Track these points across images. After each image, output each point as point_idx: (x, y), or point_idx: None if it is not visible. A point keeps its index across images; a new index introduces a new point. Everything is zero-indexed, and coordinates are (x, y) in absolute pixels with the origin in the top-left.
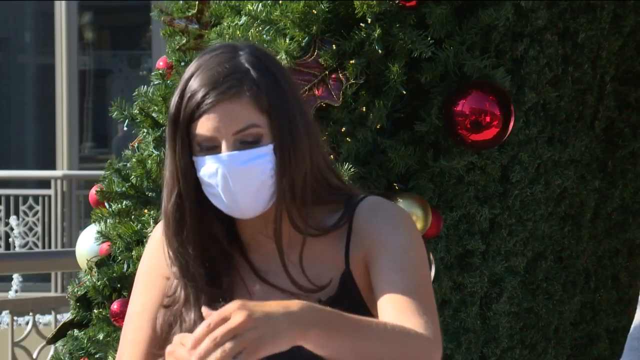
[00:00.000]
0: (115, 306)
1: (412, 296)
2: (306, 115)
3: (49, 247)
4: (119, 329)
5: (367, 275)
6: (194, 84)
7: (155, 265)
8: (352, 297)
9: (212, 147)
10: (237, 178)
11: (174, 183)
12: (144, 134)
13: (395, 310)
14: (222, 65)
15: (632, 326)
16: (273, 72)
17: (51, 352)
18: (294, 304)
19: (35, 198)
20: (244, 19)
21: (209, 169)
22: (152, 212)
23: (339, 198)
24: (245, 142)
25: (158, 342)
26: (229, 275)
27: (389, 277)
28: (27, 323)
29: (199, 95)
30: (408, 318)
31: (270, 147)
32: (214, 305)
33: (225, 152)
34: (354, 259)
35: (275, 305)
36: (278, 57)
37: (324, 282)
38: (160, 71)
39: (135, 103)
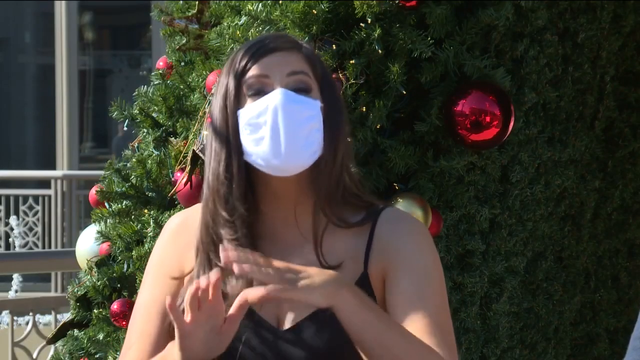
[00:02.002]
0: (115, 306)
1: (431, 319)
2: (346, 115)
3: (49, 247)
4: (119, 329)
5: (382, 286)
6: (249, 43)
7: (166, 261)
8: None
9: (262, 92)
10: (288, 115)
11: (223, 142)
12: (144, 134)
13: (412, 331)
14: (278, 34)
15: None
16: (322, 61)
17: (51, 352)
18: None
19: (35, 198)
20: (244, 19)
21: (259, 107)
22: (152, 212)
23: (360, 203)
24: (296, 89)
25: (167, 333)
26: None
27: (408, 299)
28: (27, 323)
29: (256, 46)
30: (424, 339)
31: (319, 103)
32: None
33: (278, 88)
34: (372, 264)
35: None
36: None
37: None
38: (160, 71)
39: (135, 103)
